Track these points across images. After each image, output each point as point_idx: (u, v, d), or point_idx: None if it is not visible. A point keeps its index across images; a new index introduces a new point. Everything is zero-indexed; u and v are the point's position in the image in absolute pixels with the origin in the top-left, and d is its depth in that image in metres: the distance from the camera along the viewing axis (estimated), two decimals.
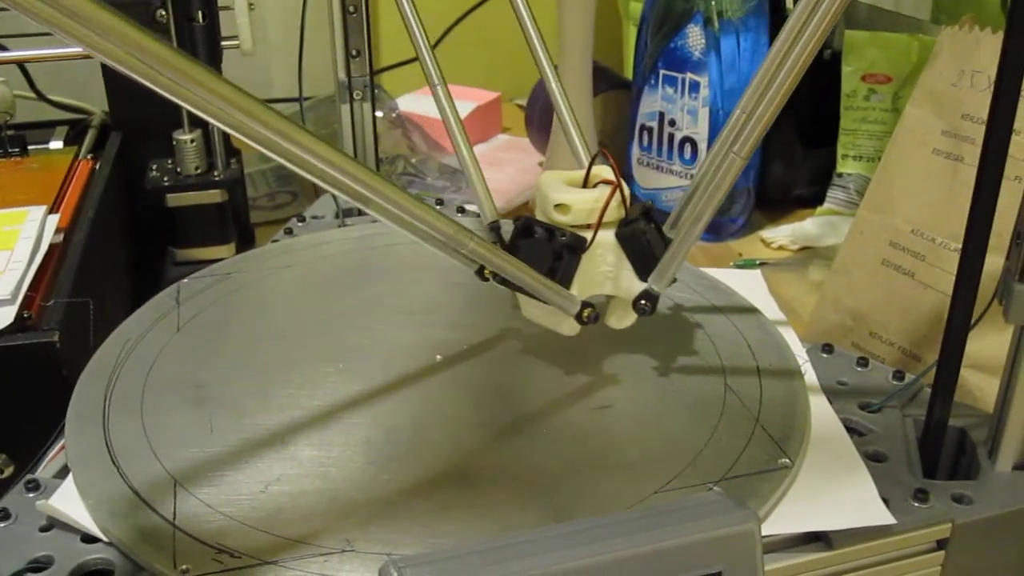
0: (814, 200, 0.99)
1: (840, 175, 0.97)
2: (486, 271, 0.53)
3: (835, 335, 0.68)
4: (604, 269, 0.53)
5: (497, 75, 1.30)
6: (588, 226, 0.53)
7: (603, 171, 0.54)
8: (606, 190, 0.52)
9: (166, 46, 0.35)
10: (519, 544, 0.38)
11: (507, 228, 0.56)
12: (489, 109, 1.22)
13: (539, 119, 1.04)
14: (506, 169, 1.11)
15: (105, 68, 0.86)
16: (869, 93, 0.95)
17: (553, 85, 0.59)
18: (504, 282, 0.52)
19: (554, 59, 0.61)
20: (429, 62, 0.58)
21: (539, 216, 0.54)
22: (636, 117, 0.92)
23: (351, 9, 0.82)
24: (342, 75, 0.79)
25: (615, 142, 1.00)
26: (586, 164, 0.58)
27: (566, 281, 0.51)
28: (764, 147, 0.92)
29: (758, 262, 0.88)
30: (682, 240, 0.50)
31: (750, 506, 0.43)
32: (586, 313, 0.52)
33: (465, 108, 1.17)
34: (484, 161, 1.12)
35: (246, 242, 0.90)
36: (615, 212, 0.52)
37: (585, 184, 0.54)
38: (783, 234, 0.93)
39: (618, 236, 0.52)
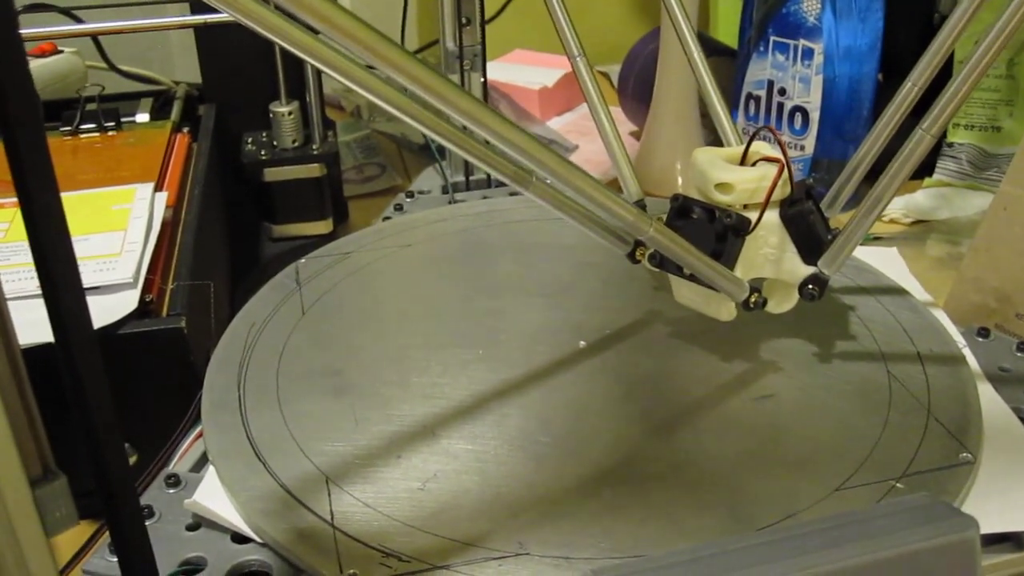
0: (921, 171, 0.95)
1: (951, 145, 0.93)
2: (638, 253, 0.51)
3: (977, 316, 0.65)
4: (766, 251, 0.50)
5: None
6: (746, 206, 0.50)
7: (761, 148, 0.51)
8: (768, 168, 0.49)
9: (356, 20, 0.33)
10: (722, 555, 0.36)
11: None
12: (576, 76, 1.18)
13: (634, 87, 1.00)
14: (597, 140, 1.07)
15: (200, 39, 0.84)
16: None
17: (697, 58, 0.56)
18: (661, 265, 0.50)
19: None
20: (568, 33, 0.55)
21: (694, 195, 0.51)
22: (742, 86, 0.89)
23: None
24: (451, 44, 0.75)
25: None
26: (734, 142, 0.55)
27: (729, 264, 0.48)
28: (870, 116, 0.88)
29: (872, 236, 0.84)
30: (859, 223, 0.47)
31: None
32: (753, 298, 0.49)
33: (551, 76, 1.14)
34: (572, 131, 1.10)
35: (341, 217, 0.87)
36: (779, 191, 0.49)
37: (743, 162, 0.51)
38: (895, 207, 0.89)
39: (783, 217, 0.49)
